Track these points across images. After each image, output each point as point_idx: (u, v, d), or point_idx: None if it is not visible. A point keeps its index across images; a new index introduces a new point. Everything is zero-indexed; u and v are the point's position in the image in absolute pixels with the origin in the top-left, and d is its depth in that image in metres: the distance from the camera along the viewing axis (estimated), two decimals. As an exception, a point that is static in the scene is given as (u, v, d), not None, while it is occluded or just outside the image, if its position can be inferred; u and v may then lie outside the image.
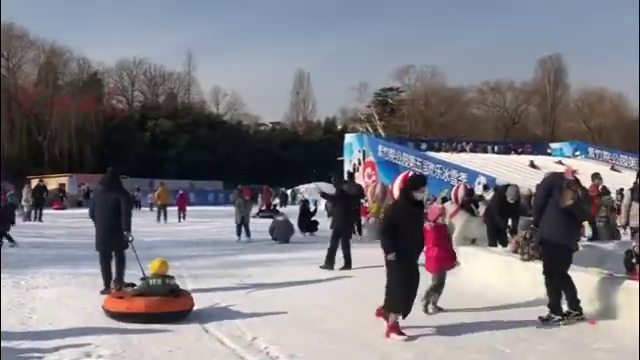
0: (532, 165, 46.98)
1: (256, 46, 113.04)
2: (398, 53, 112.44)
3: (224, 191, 54.23)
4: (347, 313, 7.53)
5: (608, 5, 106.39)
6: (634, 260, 7.95)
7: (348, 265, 11.52)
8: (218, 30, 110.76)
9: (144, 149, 63.65)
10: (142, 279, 7.51)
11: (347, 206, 11.91)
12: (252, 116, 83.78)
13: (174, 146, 65.61)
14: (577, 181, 6.97)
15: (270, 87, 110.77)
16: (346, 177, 23.08)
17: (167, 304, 7.08)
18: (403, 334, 6.24)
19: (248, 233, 17.18)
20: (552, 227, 6.85)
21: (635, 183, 12.16)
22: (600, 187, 14.66)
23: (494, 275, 9.36)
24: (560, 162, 42.90)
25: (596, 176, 14.56)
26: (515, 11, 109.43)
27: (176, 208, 27.98)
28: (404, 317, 6.35)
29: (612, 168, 47.55)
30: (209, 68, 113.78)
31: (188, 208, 29.67)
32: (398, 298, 6.27)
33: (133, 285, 7.82)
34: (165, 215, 26.68)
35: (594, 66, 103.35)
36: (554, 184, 6.98)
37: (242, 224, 17.27)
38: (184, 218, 27.40)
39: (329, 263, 11.40)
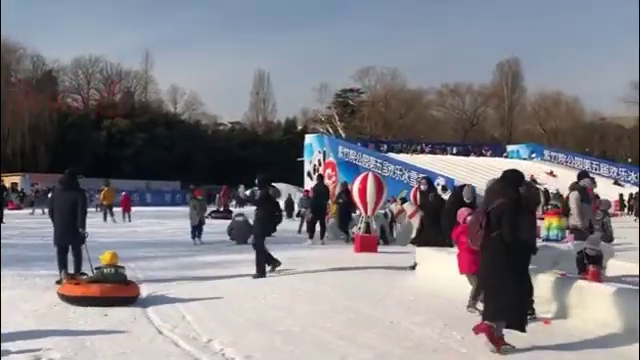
0: (551, 174, 47.18)
1: (215, 45, 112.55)
2: (359, 54, 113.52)
3: (181, 191, 53.72)
4: (306, 314, 7.51)
5: (563, 10, 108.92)
6: (586, 261, 8.13)
7: (276, 263, 10.96)
8: (176, 29, 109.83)
9: (100, 148, 62.60)
10: (96, 268, 8.40)
11: (271, 211, 11.07)
12: (211, 116, 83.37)
13: (130, 145, 64.68)
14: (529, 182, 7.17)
15: (229, 87, 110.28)
16: (306, 178, 23.05)
17: (119, 290, 8.03)
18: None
19: (200, 234, 16.88)
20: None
21: (576, 183, 12.48)
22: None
23: (451, 275, 9.46)
24: (551, 173, 43.31)
25: (590, 181, 14.82)
26: (474, 15, 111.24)
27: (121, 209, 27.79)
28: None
29: (616, 183, 48.00)
30: (167, 67, 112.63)
31: (144, 208, 29.35)
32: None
33: (85, 274, 8.91)
34: (112, 215, 26.31)
35: (550, 70, 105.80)
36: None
37: (198, 225, 16.96)
38: (129, 219, 27.06)
39: (261, 272, 10.58)
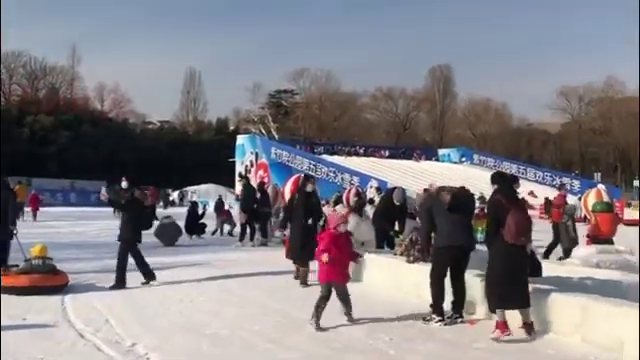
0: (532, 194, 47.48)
1: (145, 42, 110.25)
2: (293, 55, 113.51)
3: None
4: (233, 316, 7.45)
5: (494, 18, 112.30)
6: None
7: (150, 277, 10.01)
8: (105, 24, 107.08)
9: (22, 146, 60.30)
10: (25, 260, 9.05)
11: (138, 214, 10.28)
12: (139, 114, 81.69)
13: (55, 143, 62.66)
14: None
15: (159, 85, 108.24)
16: (237, 179, 22.81)
17: (48, 280, 8.73)
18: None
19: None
20: (442, 233, 7.25)
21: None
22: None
23: (381, 277, 9.60)
24: (532, 193, 44.05)
25: (562, 186, 15.54)
26: (407, 20, 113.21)
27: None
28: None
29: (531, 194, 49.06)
30: (94, 63, 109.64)
31: (68, 209, 28.50)
32: None
33: (17, 266, 9.34)
34: (22, 214, 25.49)
35: (480, 76, 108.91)
36: (433, 203, 7.49)
37: None
38: (35, 219, 26.51)
39: (120, 281, 9.60)
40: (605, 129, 75.55)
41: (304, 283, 9.67)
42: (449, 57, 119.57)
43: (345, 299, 7.11)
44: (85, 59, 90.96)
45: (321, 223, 10.92)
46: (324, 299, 6.96)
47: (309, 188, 10.22)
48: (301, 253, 9.85)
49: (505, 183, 7.05)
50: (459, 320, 7.11)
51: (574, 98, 78.83)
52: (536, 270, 8.30)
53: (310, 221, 9.92)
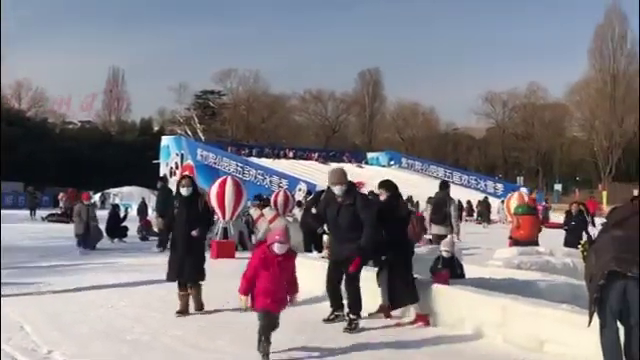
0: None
1: (66, 40, 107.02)
2: (220, 56, 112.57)
3: (24, 194, 50.40)
4: (155, 322, 7.32)
5: (421, 25, 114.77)
6: (440, 265, 8.59)
7: None
8: (24, 19, 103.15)
9: None
10: None
11: None
12: (59, 114, 79.03)
13: (-34, 143, 59.82)
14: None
15: (80, 84, 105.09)
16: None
17: None
18: None
19: (88, 243, 15.75)
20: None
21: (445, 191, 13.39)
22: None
23: (308, 280, 9.62)
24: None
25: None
26: (337, 23, 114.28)
27: None
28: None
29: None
30: (11, 60, 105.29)
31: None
32: None
33: None
34: None
35: (409, 81, 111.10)
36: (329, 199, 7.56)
37: (85, 233, 15.73)
38: None
39: None
40: (527, 134, 78.40)
41: (181, 312, 7.78)
42: (378, 61, 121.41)
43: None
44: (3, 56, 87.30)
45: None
46: (267, 328, 5.64)
47: (185, 191, 8.02)
48: (181, 272, 7.90)
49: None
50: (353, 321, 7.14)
51: (498, 104, 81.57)
52: (459, 272, 8.55)
53: (195, 232, 7.90)
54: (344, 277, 7.27)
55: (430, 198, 14.18)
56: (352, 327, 7.02)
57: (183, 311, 7.75)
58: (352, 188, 7.41)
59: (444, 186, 13.29)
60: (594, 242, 5.59)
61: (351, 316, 7.10)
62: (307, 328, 7.01)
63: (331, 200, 7.41)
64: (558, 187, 61.17)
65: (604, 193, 47.77)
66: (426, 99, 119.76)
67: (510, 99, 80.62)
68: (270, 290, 5.62)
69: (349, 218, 7.19)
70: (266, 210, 17.25)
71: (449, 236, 10.49)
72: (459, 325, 6.90)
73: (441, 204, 12.60)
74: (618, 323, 5.09)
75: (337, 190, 7.30)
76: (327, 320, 7.35)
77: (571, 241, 12.05)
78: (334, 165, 53.54)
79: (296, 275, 5.94)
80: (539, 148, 76.18)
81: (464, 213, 34.06)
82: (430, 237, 16.20)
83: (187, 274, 7.87)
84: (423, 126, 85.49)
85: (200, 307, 7.93)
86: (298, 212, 18.11)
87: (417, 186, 48.52)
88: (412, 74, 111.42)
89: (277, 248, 5.63)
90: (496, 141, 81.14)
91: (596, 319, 5.09)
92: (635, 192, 34.83)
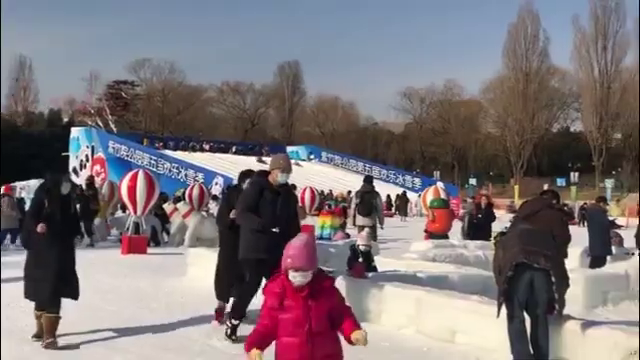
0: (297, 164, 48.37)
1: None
2: (134, 45, 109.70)
3: None
4: (61, 320, 7.04)
5: (344, 19, 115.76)
6: (355, 259, 8.67)
7: None
8: None
9: None
10: None
11: None
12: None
13: None
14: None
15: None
16: (71, 174, 21.71)
17: None
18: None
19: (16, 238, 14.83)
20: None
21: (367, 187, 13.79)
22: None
23: (204, 272, 9.51)
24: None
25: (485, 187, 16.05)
26: (257, 14, 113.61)
27: None
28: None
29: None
30: None
31: None
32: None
33: None
34: None
35: (329, 75, 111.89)
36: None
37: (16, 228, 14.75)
38: None
39: None
40: (444, 130, 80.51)
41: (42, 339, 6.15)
42: (298, 54, 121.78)
43: None
44: None
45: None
46: None
47: (64, 189, 6.63)
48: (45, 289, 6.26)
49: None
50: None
51: (416, 100, 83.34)
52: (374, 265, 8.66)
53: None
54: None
55: (357, 192, 14.81)
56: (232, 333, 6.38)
57: (40, 335, 6.18)
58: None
59: (369, 180, 14.21)
60: (504, 235, 5.80)
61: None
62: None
63: (265, 189, 6.54)
64: (473, 181, 63.12)
65: (516, 187, 49.62)
66: (346, 93, 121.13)
67: (428, 95, 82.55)
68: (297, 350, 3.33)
69: (289, 210, 6.65)
70: (180, 204, 16.98)
71: (365, 230, 10.66)
72: (374, 318, 6.99)
73: (367, 197, 13.31)
74: (525, 313, 5.30)
75: (284, 178, 6.54)
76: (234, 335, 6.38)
77: (480, 234, 12.48)
78: (252, 159, 53.49)
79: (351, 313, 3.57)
80: (455, 143, 78.37)
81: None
82: (348, 232, 16.45)
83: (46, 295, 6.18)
84: (343, 120, 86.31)
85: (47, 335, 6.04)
86: (214, 206, 17.91)
87: (337, 180, 49.10)
88: (332, 68, 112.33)
89: (294, 278, 3.34)
90: (414, 136, 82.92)
91: (504, 309, 5.28)
92: (545, 187, 36.40)
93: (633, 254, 10.81)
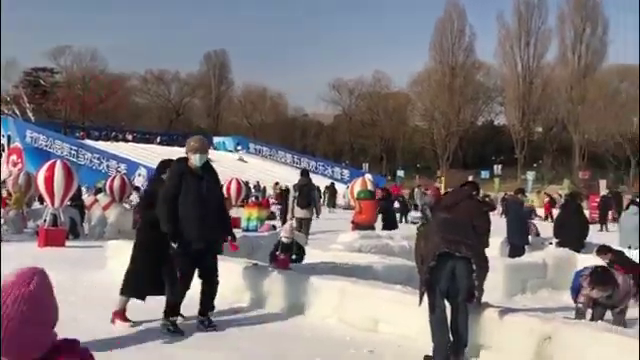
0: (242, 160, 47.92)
1: None
2: (53, 31, 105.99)
3: None
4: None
5: (271, 8, 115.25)
6: (279, 251, 8.68)
7: None
8: None
9: None
10: None
11: None
12: None
13: None
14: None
15: None
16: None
17: None
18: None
19: None
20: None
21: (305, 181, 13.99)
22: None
23: (121, 265, 9.35)
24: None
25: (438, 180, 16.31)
26: (181, 1, 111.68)
27: None
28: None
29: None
30: None
31: None
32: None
33: None
34: None
35: (257, 65, 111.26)
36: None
37: None
38: None
39: None
40: (373, 122, 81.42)
41: None
42: (225, 43, 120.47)
43: None
44: None
45: None
46: None
47: None
48: None
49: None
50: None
51: (345, 91, 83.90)
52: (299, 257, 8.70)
53: None
54: (211, 268, 6.45)
55: (294, 185, 15.23)
56: (207, 325, 6.44)
57: None
58: (208, 162, 6.68)
59: (306, 173, 14.89)
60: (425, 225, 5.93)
61: (201, 317, 6.50)
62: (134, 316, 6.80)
63: (187, 173, 6.35)
64: (400, 173, 64.19)
65: (442, 179, 50.77)
66: (275, 84, 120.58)
67: (357, 87, 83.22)
68: None
69: (216, 194, 6.50)
70: (100, 196, 16.57)
71: (289, 222, 10.75)
72: (298, 309, 7.03)
73: (305, 190, 13.80)
74: (446, 302, 5.44)
75: (199, 159, 6.36)
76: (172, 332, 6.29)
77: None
78: (177, 149, 52.72)
79: None
80: (383, 135, 79.37)
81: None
82: (274, 223, 16.56)
83: None
84: (271, 111, 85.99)
85: None
86: (136, 198, 17.57)
87: (264, 172, 49.01)
88: (260, 58, 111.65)
89: None
90: (343, 128, 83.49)
91: (426, 298, 5.41)
92: (470, 179, 37.45)
93: (551, 243, 11.28)
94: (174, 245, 6.17)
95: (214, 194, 6.42)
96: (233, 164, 48.49)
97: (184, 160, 6.49)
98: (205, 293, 6.49)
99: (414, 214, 26.02)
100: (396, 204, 21.25)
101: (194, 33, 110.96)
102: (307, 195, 13.92)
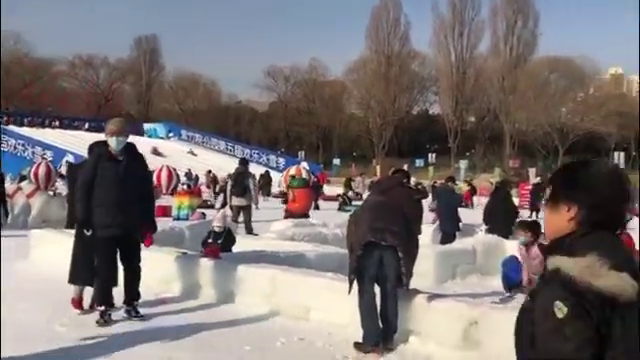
0: (156, 152, 46.93)
1: None
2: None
3: None
4: None
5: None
6: (211, 239, 8.63)
7: None
8: None
9: None
10: None
11: None
12: None
13: None
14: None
15: None
16: None
17: None
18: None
19: None
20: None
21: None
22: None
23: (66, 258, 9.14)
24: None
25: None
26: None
27: None
28: None
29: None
30: None
31: None
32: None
33: None
34: None
35: (189, 51, 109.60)
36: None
37: None
38: None
39: None
40: (309, 110, 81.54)
41: None
42: (156, 28, 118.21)
43: None
44: None
45: None
46: None
47: None
48: None
49: None
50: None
51: (281, 78, 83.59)
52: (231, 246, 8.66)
53: None
54: (131, 257, 6.31)
55: (229, 174, 15.34)
56: (133, 315, 6.30)
57: None
58: (132, 146, 6.39)
59: (244, 162, 14.94)
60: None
61: (127, 307, 6.35)
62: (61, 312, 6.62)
63: (104, 157, 6.15)
64: (337, 162, 64.60)
65: (378, 167, 51.34)
66: (208, 70, 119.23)
67: (292, 74, 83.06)
68: None
69: (137, 179, 6.20)
70: (24, 183, 16.05)
71: (221, 210, 10.66)
72: (229, 298, 7.00)
73: (241, 178, 13.90)
74: (376, 288, 5.51)
75: (116, 142, 6.12)
76: (102, 322, 6.16)
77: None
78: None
79: None
80: (319, 123, 79.62)
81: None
82: (203, 211, 16.49)
83: None
84: (204, 97, 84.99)
85: None
86: (61, 185, 17.09)
87: (197, 159, 48.44)
88: (193, 44, 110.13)
89: None
90: (278, 115, 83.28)
91: (356, 286, 5.47)
92: (405, 167, 38.04)
93: (481, 230, 11.57)
94: (86, 232, 6.10)
95: (134, 180, 6.17)
96: (166, 152, 47.82)
97: (103, 144, 6.28)
98: (127, 281, 6.37)
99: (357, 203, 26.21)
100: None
101: (124, 17, 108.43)
102: (242, 184, 13.96)
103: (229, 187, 14.74)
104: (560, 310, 1.62)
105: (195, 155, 49.02)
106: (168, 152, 47.84)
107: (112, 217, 6.03)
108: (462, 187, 30.23)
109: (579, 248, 1.70)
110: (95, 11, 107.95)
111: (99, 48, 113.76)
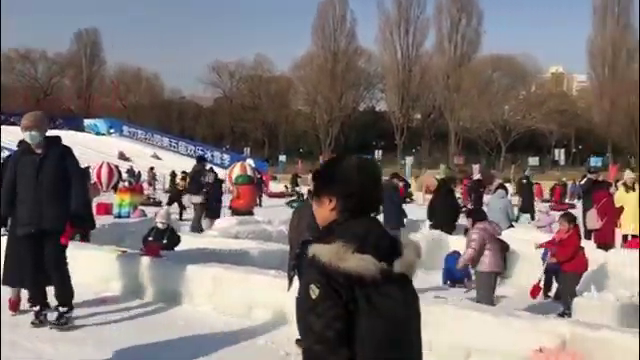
0: (123, 157, 45.81)
1: None
2: None
3: None
4: None
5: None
6: (151, 237, 8.53)
7: None
8: None
9: None
10: None
11: None
12: None
13: None
14: None
15: None
16: None
17: None
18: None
19: None
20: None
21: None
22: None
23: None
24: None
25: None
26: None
27: None
28: None
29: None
30: None
31: None
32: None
33: None
34: None
35: (131, 45, 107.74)
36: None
37: None
38: None
39: None
40: (254, 105, 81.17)
41: None
42: (97, 21, 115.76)
43: None
44: None
45: None
46: None
47: None
48: None
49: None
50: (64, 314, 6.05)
51: (225, 74, 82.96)
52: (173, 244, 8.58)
53: None
54: (48, 256, 5.89)
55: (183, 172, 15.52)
56: (62, 322, 5.91)
57: None
58: (55, 139, 6.12)
59: (201, 159, 15.48)
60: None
61: (60, 309, 5.95)
62: None
63: (24, 153, 5.97)
64: (283, 158, 64.49)
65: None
66: (150, 65, 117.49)
67: (238, 69, 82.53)
68: None
69: (54, 174, 5.85)
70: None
71: (165, 207, 10.53)
72: (171, 297, 6.92)
73: (197, 176, 14.09)
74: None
75: (30, 137, 5.85)
76: (38, 323, 6.00)
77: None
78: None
79: None
80: (265, 119, 79.39)
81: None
82: (144, 209, 16.33)
83: None
84: (147, 93, 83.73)
85: None
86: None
87: (139, 156, 47.66)
88: (135, 38, 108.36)
89: None
90: (224, 111, 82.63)
91: (296, 282, 5.47)
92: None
93: (425, 226, 11.76)
94: (5, 230, 6.02)
95: (52, 174, 5.85)
96: (107, 148, 46.93)
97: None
98: (53, 284, 6.01)
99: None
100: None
101: (64, 10, 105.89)
102: (198, 181, 14.02)
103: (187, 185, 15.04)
104: (313, 292, 1.94)
105: (160, 159, 48.22)
106: (111, 149, 46.96)
107: (29, 214, 5.80)
108: (411, 184, 30.60)
109: (337, 234, 2.02)
110: (33, 3, 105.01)
111: (37, 42, 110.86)
